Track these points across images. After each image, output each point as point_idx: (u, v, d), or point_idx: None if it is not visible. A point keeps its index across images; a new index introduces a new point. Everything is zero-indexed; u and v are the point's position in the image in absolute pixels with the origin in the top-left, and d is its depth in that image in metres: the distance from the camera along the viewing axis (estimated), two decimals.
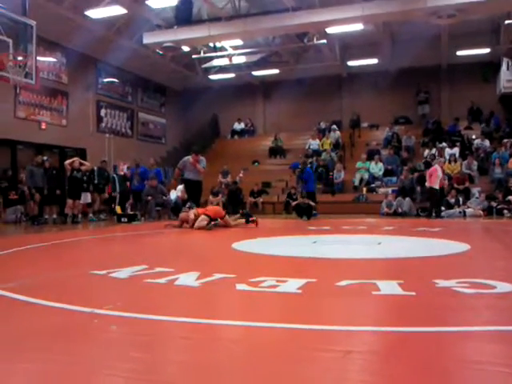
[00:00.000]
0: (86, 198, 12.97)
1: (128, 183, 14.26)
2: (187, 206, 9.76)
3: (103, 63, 17.64)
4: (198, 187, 10.59)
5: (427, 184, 12.46)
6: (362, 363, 1.92)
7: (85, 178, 12.79)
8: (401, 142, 17.97)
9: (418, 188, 14.31)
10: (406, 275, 3.82)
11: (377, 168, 16.37)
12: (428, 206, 12.78)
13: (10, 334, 2.37)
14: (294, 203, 13.56)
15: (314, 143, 19.05)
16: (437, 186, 12.22)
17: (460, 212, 12.87)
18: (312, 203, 12.78)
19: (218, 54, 17.42)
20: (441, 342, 2.17)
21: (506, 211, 12.67)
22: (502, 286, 3.18)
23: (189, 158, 10.55)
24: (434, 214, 12.15)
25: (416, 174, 14.71)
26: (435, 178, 12.16)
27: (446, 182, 13.48)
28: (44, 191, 11.99)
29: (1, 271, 4.50)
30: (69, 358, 2.00)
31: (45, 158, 12.63)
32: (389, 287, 3.21)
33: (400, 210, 13.35)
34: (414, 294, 3.04)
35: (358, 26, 14.62)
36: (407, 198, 13.69)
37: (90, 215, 13.06)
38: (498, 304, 2.85)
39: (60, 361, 1.97)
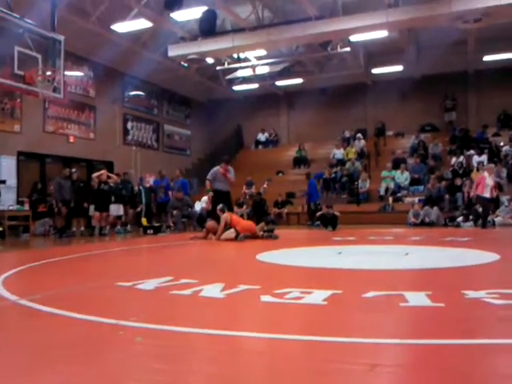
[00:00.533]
0: (119, 210, 13.16)
1: (153, 195, 14.40)
2: (219, 208, 9.46)
3: (129, 76, 17.94)
4: (228, 197, 10.49)
5: (473, 193, 12.05)
6: (389, 376, 1.88)
7: (122, 190, 13.06)
8: (427, 150, 17.70)
9: (447, 196, 14.04)
10: (435, 286, 3.73)
11: (403, 177, 16.15)
12: (456, 215, 12.47)
13: (36, 346, 2.40)
14: (318, 213, 13.45)
15: (338, 152, 18.93)
16: (487, 195, 11.80)
17: (489, 221, 12.57)
18: (337, 213, 12.66)
19: (242, 64, 17.53)
20: (470, 354, 2.12)
21: None
22: None
23: (218, 169, 10.47)
24: (482, 223, 11.74)
25: (444, 183, 14.45)
26: (483, 188, 11.74)
27: (496, 191, 12.94)
28: (71, 204, 12.20)
29: (28, 283, 4.59)
30: (94, 370, 2.01)
31: (73, 170, 12.88)
32: (417, 299, 3.14)
33: (427, 220, 13.11)
34: (442, 305, 2.98)
35: (382, 33, 14.51)
36: (435, 208, 13.45)
37: (118, 227, 13.21)
38: None
39: (85, 372, 1.98)
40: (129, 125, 18.24)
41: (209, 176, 10.57)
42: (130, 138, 18.21)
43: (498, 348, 2.20)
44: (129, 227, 13.87)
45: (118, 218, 13.29)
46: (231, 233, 8.65)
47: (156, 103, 20.02)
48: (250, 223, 9.76)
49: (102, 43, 14.40)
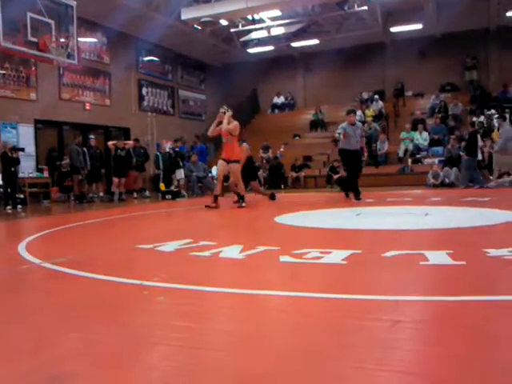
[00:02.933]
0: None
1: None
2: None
3: (143, 42, 17.72)
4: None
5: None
6: (411, 332, 1.88)
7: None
8: (447, 111, 17.31)
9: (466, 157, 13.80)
10: (456, 245, 3.71)
11: (422, 138, 15.88)
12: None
13: (62, 306, 2.46)
14: (336, 176, 13.38)
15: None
16: None
17: (511, 181, 12.36)
18: None
19: (256, 26, 17.17)
20: (492, 310, 2.10)
21: None
22: None
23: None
24: None
25: (464, 143, 14.19)
26: None
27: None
28: (85, 170, 12.38)
29: (51, 247, 4.68)
30: (121, 327, 2.05)
31: (91, 136, 12.97)
32: (438, 257, 3.12)
33: (447, 181, 12.95)
34: (464, 263, 2.95)
35: None
36: (454, 168, 13.25)
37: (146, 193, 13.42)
38: None
39: (110, 330, 2.02)
40: (144, 90, 18.14)
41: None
42: (145, 103, 18.14)
43: None
44: (147, 192, 14.00)
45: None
46: (221, 165, 8.29)
47: (170, 68, 19.82)
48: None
49: (115, 8, 14.18)
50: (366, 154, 9.24)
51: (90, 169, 12.60)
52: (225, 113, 8.21)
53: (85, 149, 12.66)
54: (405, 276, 2.83)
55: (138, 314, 2.29)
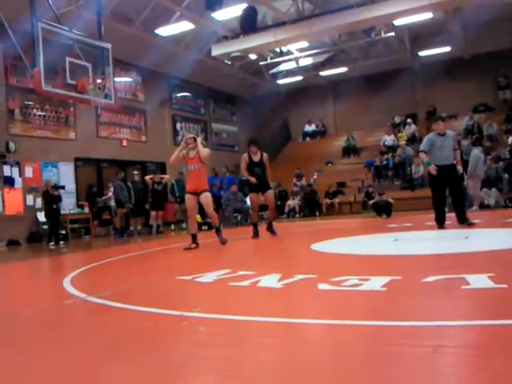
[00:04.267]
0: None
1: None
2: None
3: (175, 78, 18.30)
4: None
5: None
6: (454, 357, 1.86)
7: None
8: (482, 131, 17.03)
9: (506, 177, 13.50)
10: (497, 268, 3.62)
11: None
12: None
13: (107, 339, 2.53)
14: (371, 202, 13.28)
15: (389, 139, 18.55)
16: None
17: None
18: (391, 200, 12.47)
19: (285, 58, 17.50)
20: None
21: None
22: None
23: None
24: None
25: (501, 163, 13.90)
26: None
27: None
28: (129, 205, 12.67)
29: (95, 281, 4.81)
30: (160, 360, 2.09)
31: (135, 172, 13.41)
32: (479, 281, 3.06)
33: (486, 202, 12.66)
34: (505, 286, 2.89)
35: (426, 15, 14.10)
36: (493, 189, 12.96)
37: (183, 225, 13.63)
38: None
39: (153, 361, 2.07)
40: (178, 125, 18.63)
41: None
42: (179, 138, 18.58)
43: None
44: (184, 224, 14.20)
45: None
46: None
47: (202, 103, 20.33)
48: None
49: (147, 47, 14.77)
50: (460, 168, 7.36)
51: (134, 203, 12.94)
52: (195, 139, 7.23)
53: (129, 184, 13.03)
54: (445, 301, 2.80)
55: (180, 344, 2.33)
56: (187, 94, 19.36)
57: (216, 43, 15.46)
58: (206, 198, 7.16)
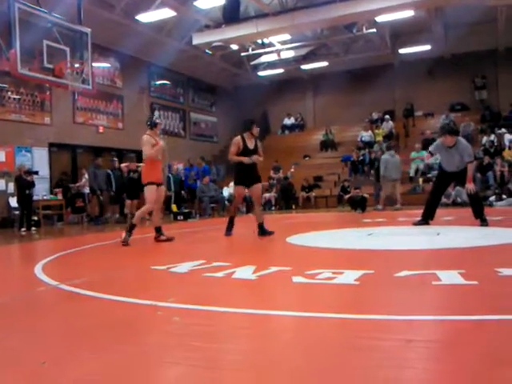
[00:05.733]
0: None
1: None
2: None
3: (155, 66, 18.08)
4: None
5: None
6: (423, 351, 1.90)
7: None
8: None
9: (478, 176, 13.77)
10: (468, 265, 3.71)
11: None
12: (488, 194, 12.26)
13: (79, 327, 2.50)
14: (347, 196, 13.40)
15: (366, 135, 18.73)
16: None
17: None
18: (366, 195, 12.61)
19: (267, 50, 17.45)
20: (505, 330, 2.11)
21: None
22: None
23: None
24: None
25: (475, 162, 14.15)
26: None
27: None
28: (105, 192, 12.57)
29: (67, 269, 4.74)
30: (134, 348, 2.09)
31: (115, 159, 13.26)
32: (450, 277, 3.13)
33: (459, 200, 12.89)
34: (476, 283, 2.96)
35: (408, 13, 14.22)
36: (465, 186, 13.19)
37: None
38: None
39: (127, 351, 2.06)
40: (156, 114, 18.41)
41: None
42: (149, 126, 18.38)
43: None
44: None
45: None
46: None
47: (182, 91, 20.15)
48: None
49: (128, 34, 14.54)
50: (471, 187, 6.88)
51: (115, 191, 12.78)
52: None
53: (109, 171, 12.85)
54: (417, 296, 2.85)
55: (153, 334, 2.33)
56: (166, 82, 19.16)
57: (197, 32, 15.31)
58: (163, 191, 6.87)
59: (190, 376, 1.77)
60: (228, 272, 3.71)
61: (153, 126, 6.69)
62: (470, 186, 6.86)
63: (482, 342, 1.98)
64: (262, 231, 6.74)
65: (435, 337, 2.12)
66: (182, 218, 12.62)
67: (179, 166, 15.79)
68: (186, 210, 13.33)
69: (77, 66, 9.60)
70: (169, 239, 6.59)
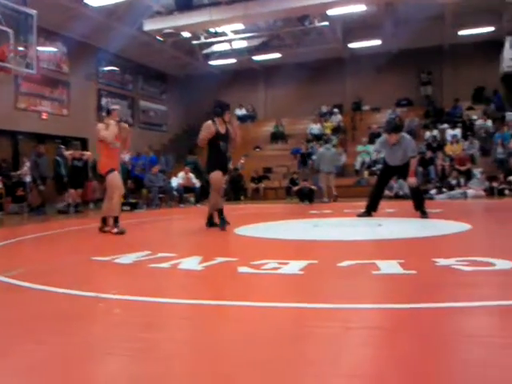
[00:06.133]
0: None
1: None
2: None
3: (103, 51, 17.54)
4: None
5: None
6: (362, 338, 1.96)
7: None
8: (403, 125, 17.83)
9: (420, 170, 14.29)
10: (407, 255, 3.85)
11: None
12: (429, 188, 12.76)
13: (17, 319, 2.42)
14: (295, 188, 13.58)
15: (315, 127, 19.00)
16: None
17: (461, 193, 12.88)
18: (314, 187, 12.83)
19: (219, 39, 17.31)
20: (440, 317, 2.21)
21: (507, 191, 12.66)
22: (501, 264, 3.21)
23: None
24: None
25: (418, 156, 14.66)
26: None
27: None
28: (47, 181, 12.12)
29: (5, 260, 4.56)
30: (75, 339, 2.04)
31: (62, 146, 12.80)
32: (389, 266, 3.24)
33: (401, 193, 13.34)
34: (414, 272, 3.08)
35: (360, 7, 14.48)
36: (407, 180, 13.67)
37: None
38: (496, 280, 2.88)
39: (66, 342, 2.02)
40: (103, 101, 17.92)
41: None
42: (104, 114, 17.88)
43: (466, 310, 2.30)
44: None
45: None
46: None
47: (131, 78, 19.69)
48: None
49: (76, 17, 14.05)
50: (412, 181, 7.12)
51: (67, 178, 12.33)
52: None
53: (58, 158, 12.37)
54: (358, 285, 2.93)
55: (95, 325, 2.28)
56: (115, 68, 18.66)
57: (149, 18, 14.97)
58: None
59: (132, 366, 1.75)
60: (173, 263, 3.69)
61: (108, 113, 6.47)
62: (412, 180, 7.13)
63: (417, 328, 2.06)
64: (211, 223, 6.55)
65: (374, 324, 2.19)
66: (128, 208, 12.37)
67: (126, 155, 15.45)
68: (133, 201, 13.09)
69: (21, 49, 9.20)
70: (120, 232, 6.16)
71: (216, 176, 6.36)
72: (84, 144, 16.25)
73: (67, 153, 12.58)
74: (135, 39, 16.55)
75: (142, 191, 14.33)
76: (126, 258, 3.99)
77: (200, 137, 6.33)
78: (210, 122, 6.40)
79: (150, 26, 14.83)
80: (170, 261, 3.77)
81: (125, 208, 12.34)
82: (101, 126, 6.34)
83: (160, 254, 4.11)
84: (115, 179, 6.27)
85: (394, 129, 7.05)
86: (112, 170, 6.24)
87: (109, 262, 3.90)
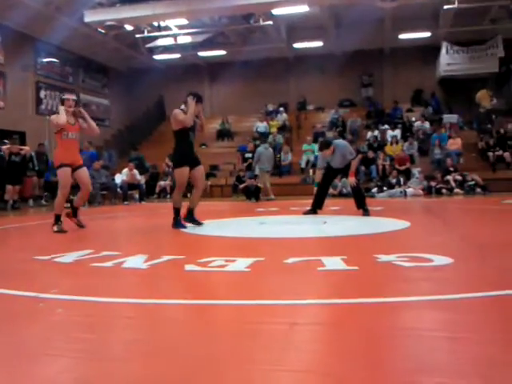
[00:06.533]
0: None
1: None
2: None
3: (42, 42, 16.83)
4: None
5: None
6: (307, 334, 2.00)
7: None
8: (345, 125, 18.31)
9: (362, 169, 14.73)
10: (350, 251, 3.96)
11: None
12: (370, 186, 13.17)
13: None
14: (242, 186, 13.62)
15: (261, 125, 19.11)
16: None
17: (401, 192, 13.37)
18: (260, 185, 12.92)
19: (163, 33, 17.04)
20: (381, 311, 2.29)
21: (444, 190, 13.27)
22: (439, 259, 3.35)
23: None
24: None
25: (360, 156, 15.07)
26: None
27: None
28: None
29: None
30: (15, 340, 1.96)
31: (6, 140, 12.14)
32: (333, 263, 3.32)
33: (345, 191, 13.67)
34: (356, 268, 3.17)
35: (303, 8, 14.69)
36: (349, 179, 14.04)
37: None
38: (434, 276, 3.01)
39: (5, 343, 1.94)
40: (42, 93, 17.22)
41: None
42: (43, 107, 17.22)
43: (406, 305, 2.39)
44: (43, 201, 13.29)
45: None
46: None
47: (71, 71, 19.01)
48: None
49: (12, 6, 13.40)
50: (352, 181, 7.51)
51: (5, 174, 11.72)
52: (76, 102, 6.35)
53: (2, 153, 11.73)
54: (303, 281, 2.99)
55: (35, 326, 2.20)
56: (55, 60, 17.95)
57: (90, 9, 14.52)
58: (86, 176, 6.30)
59: (74, 368, 1.70)
60: (117, 261, 3.61)
61: (62, 102, 6.15)
62: (352, 180, 7.49)
63: (359, 323, 2.13)
64: (191, 218, 6.14)
65: (318, 319, 2.24)
66: (68, 205, 11.94)
67: None
68: (73, 197, 12.65)
69: None
70: (59, 231, 5.90)
71: (181, 172, 5.97)
72: (22, 138, 15.55)
73: (4, 147, 12.00)
74: (76, 31, 16.00)
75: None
76: (68, 257, 3.86)
77: (183, 118, 5.96)
78: (178, 110, 6.09)
79: (91, 17, 14.40)
80: (114, 260, 3.68)
81: (65, 205, 11.94)
82: (53, 116, 6.08)
83: (103, 253, 4.00)
84: (61, 177, 5.96)
85: (322, 147, 7.63)
86: (63, 165, 5.91)
87: (49, 261, 3.76)
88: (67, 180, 6.00)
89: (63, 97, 6.23)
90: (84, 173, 6.22)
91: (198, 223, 6.14)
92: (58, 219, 6.03)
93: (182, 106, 6.15)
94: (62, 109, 6.01)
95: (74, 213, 6.36)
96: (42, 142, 14.27)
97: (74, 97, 6.24)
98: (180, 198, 6.14)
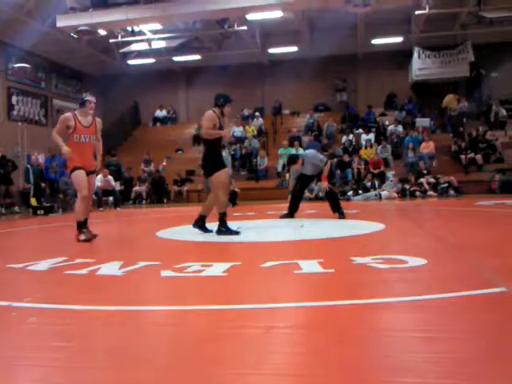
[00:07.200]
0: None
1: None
2: None
3: (13, 47, 16.52)
4: None
5: None
6: (284, 337, 2.01)
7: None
8: (320, 129, 18.47)
9: (338, 172, 14.86)
10: (326, 254, 3.98)
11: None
12: (346, 190, 13.30)
13: None
14: None
15: (238, 130, 19.11)
16: None
17: (376, 195, 13.53)
18: (237, 190, 12.91)
19: (137, 38, 16.91)
20: (357, 313, 2.31)
21: (418, 193, 13.48)
22: (414, 261, 3.41)
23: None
24: None
25: (335, 160, 15.23)
26: None
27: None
28: None
29: None
30: None
31: None
32: (310, 266, 3.34)
33: (321, 195, 13.74)
34: (333, 271, 3.19)
35: (277, 14, 14.77)
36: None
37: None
38: (409, 277, 3.05)
39: None
40: (14, 99, 16.91)
41: None
42: (15, 113, 16.90)
43: (381, 306, 2.42)
44: (16, 208, 13.03)
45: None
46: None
47: (44, 76, 18.73)
48: None
49: None
50: (324, 185, 7.57)
51: None
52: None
53: None
54: (280, 284, 3.00)
55: (8, 335, 2.16)
56: (27, 65, 17.64)
57: (62, 14, 14.31)
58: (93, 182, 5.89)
59: (49, 377, 1.68)
60: (92, 269, 3.56)
61: (82, 104, 5.77)
62: (324, 185, 7.60)
63: (335, 324, 2.15)
64: (202, 225, 5.92)
65: (295, 322, 2.25)
66: (42, 212, 11.77)
67: (39, 157, 14.71)
68: (47, 204, 12.46)
69: None
70: (88, 239, 5.52)
71: (222, 175, 5.63)
72: None
73: None
74: (48, 36, 15.77)
75: (56, 195, 13.68)
76: (41, 265, 3.79)
77: (205, 127, 5.70)
78: (212, 112, 5.78)
79: (63, 22, 14.18)
80: (89, 267, 3.63)
81: (39, 212, 11.75)
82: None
83: (78, 260, 3.95)
84: (76, 179, 5.55)
85: (290, 163, 7.84)
86: (75, 168, 5.51)
87: (22, 270, 3.69)
88: (83, 182, 5.51)
89: (85, 98, 5.72)
90: (91, 180, 5.80)
91: (208, 231, 5.86)
92: (80, 226, 5.59)
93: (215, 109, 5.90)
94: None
95: (84, 224, 5.75)
96: (14, 148, 14.01)
97: (95, 99, 5.82)
98: (227, 200, 5.99)
